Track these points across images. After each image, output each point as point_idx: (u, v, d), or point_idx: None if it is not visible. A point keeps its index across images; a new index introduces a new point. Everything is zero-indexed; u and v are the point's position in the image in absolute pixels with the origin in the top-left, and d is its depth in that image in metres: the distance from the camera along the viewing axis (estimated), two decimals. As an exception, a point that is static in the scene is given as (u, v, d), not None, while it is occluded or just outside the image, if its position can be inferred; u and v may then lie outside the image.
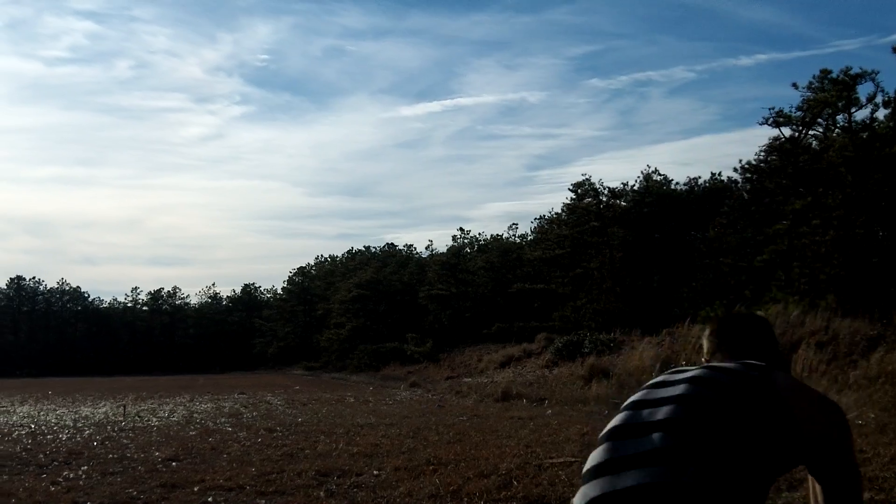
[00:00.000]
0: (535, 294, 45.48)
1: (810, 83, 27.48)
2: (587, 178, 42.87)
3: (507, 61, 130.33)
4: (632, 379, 20.04)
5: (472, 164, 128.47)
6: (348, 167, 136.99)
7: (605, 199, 42.71)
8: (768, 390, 2.12)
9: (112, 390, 36.09)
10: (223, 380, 50.77)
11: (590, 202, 42.76)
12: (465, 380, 32.94)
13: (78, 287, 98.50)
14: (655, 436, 2.03)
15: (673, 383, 2.24)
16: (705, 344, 2.71)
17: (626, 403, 2.28)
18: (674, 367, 2.53)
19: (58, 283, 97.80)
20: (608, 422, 2.20)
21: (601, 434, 2.19)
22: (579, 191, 43.39)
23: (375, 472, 9.56)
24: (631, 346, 25.98)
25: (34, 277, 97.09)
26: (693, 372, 2.27)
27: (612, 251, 40.83)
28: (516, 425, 14.79)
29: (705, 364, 2.44)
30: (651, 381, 2.35)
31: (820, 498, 2.24)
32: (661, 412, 2.10)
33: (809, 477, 2.32)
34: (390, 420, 16.87)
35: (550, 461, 9.78)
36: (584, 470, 2.11)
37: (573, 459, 9.70)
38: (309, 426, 15.96)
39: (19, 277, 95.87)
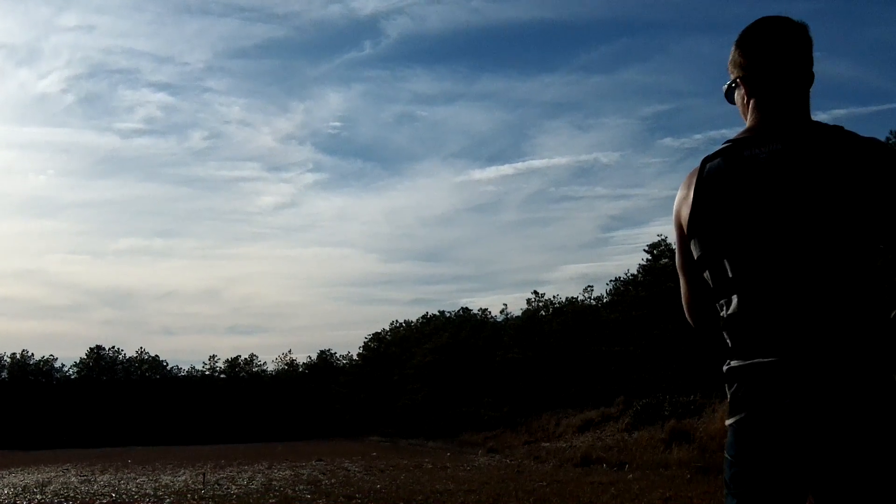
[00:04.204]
0: (613, 356, 44.83)
1: (888, 138, 27.14)
2: (663, 239, 42.38)
3: (579, 122, 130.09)
4: (714, 442, 19.56)
5: (546, 226, 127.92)
6: (422, 232, 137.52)
7: (681, 259, 42.06)
8: None
9: (191, 458, 36.41)
10: (300, 446, 50.95)
11: (667, 262, 42.22)
12: (544, 444, 32.54)
13: (156, 356, 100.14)
14: None
15: None
16: None
17: None
18: None
19: (136, 352, 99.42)
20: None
21: None
22: (655, 251, 42.95)
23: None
24: (712, 409, 25.41)
25: (113, 347, 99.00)
26: None
27: (689, 312, 40.14)
28: (597, 490, 14.53)
29: None
30: None
31: None
32: None
33: None
34: (469, 486, 16.72)
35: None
36: None
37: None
38: (388, 493, 15.92)
39: (98, 347, 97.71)
